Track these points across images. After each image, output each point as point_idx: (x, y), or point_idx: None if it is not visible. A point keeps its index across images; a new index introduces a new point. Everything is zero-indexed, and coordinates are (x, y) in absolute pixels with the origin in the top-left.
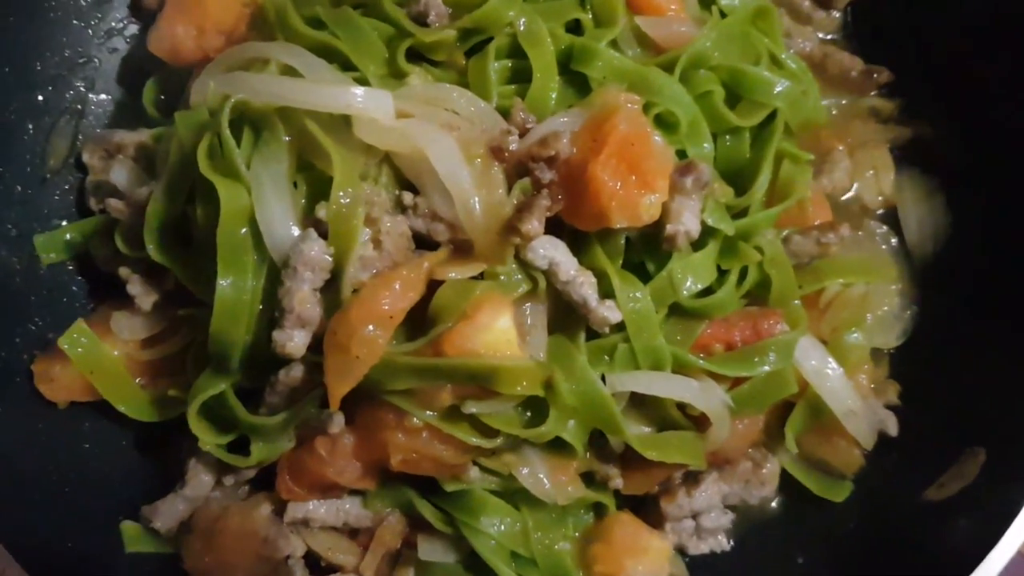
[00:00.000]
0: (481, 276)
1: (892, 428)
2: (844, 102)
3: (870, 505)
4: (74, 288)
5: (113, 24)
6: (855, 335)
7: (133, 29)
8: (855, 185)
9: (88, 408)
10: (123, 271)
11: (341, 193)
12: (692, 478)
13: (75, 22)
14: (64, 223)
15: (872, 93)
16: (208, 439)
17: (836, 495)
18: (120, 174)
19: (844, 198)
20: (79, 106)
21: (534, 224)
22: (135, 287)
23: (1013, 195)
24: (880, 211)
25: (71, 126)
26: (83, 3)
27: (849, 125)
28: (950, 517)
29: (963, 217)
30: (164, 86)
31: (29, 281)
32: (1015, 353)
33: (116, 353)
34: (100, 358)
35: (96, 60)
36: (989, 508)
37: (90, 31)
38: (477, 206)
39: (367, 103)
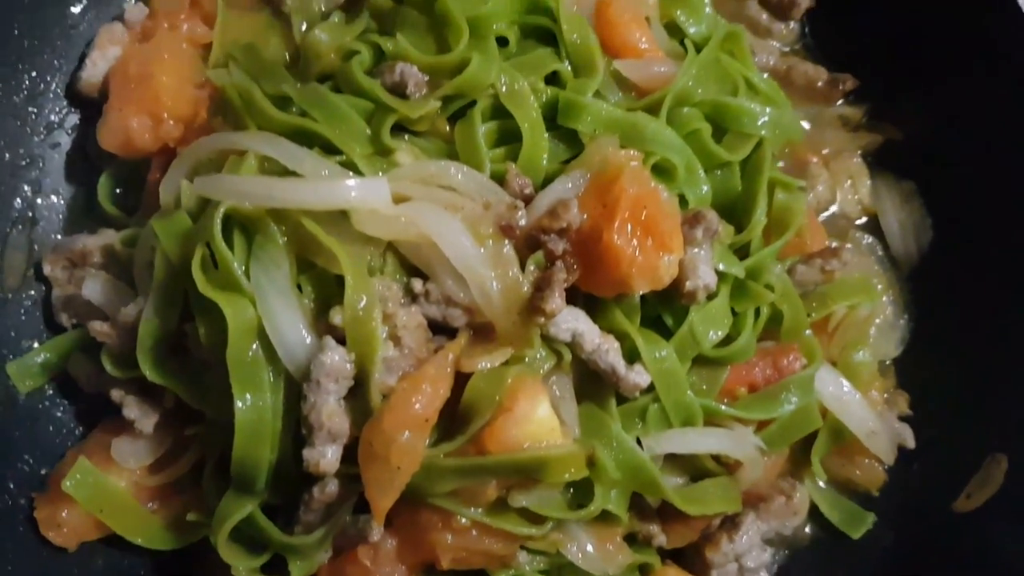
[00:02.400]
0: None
1: (909, 440)
2: (813, 112)
3: (903, 520)
4: (58, 414)
5: (52, 117)
6: (861, 353)
7: (73, 119)
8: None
9: (100, 543)
10: (115, 394)
11: (356, 297)
12: (731, 521)
13: (11, 121)
14: (35, 343)
15: (839, 101)
16: (242, 564)
17: (855, 530)
18: (94, 289)
19: (829, 212)
20: (30, 213)
21: (556, 301)
22: (132, 410)
23: (989, 188)
24: (861, 220)
25: (24, 236)
26: (16, 99)
27: (821, 135)
28: (986, 527)
29: (943, 217)
30: (119, 179)
31: (9, 415)
32: (1017, 352)
33: (123, 484)
34: (107, 493)
35: (40, 160)
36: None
37: (28, 128)
38: (494, 289)
39: (364, 195)
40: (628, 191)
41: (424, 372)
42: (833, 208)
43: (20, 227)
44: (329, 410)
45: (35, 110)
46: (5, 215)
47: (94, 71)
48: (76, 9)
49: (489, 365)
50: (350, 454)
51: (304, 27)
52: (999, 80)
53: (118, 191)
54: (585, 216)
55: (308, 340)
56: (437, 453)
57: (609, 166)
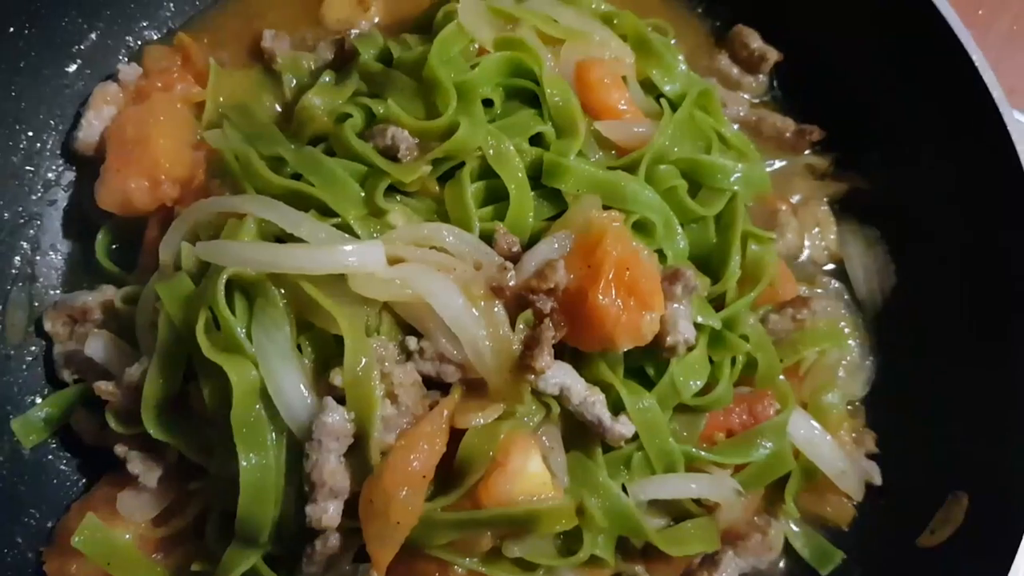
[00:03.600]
0: None
1: (876, 477)
2: (782, 163)
3: (870, 554)
4: (62, 467)
5: (49, 175)
6: (831, 395)
7: (70, 176)
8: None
9: None
10: (119, 449)
11: (355, 359)
12: (710, 559)
13: (10, 180)
14: (37, 399)
15: (806, 151)
16: None
17: (824, 566)
18: (96, 348)
19: (799, 260)
20: (29, 270)
21: (546, 359)
22: (136, 465)
23: (950, 235)
24: (828, 266)
25: (24, 293)
26: (13, 159)
27: (790, 184)
28: (951, 563)
29: (906, 262)
30: (116, 235)
31: (15, 470)
32: (978, 392)
33: (128, 536)
34: (114, 547)
35: (38, 218)
36: (987, 552)
37: (26, 187)
38: (487, 347)
39: (361, 259)
40: (611, 253)
41: (420, 430)
42: (803, 256)
43: (20, 284)
44: (331, 468)
45: (32, 169)
46: (5, 273)
47: (90, 130)
48: (71, 69)
49: (482, 421)
50: (350, 508)
51: (294, 84)
52: (959, 132)
53: (115, 247)
54: (571, 276)
55: (309, 400)
56: (435, 507)
57: (592, 227)
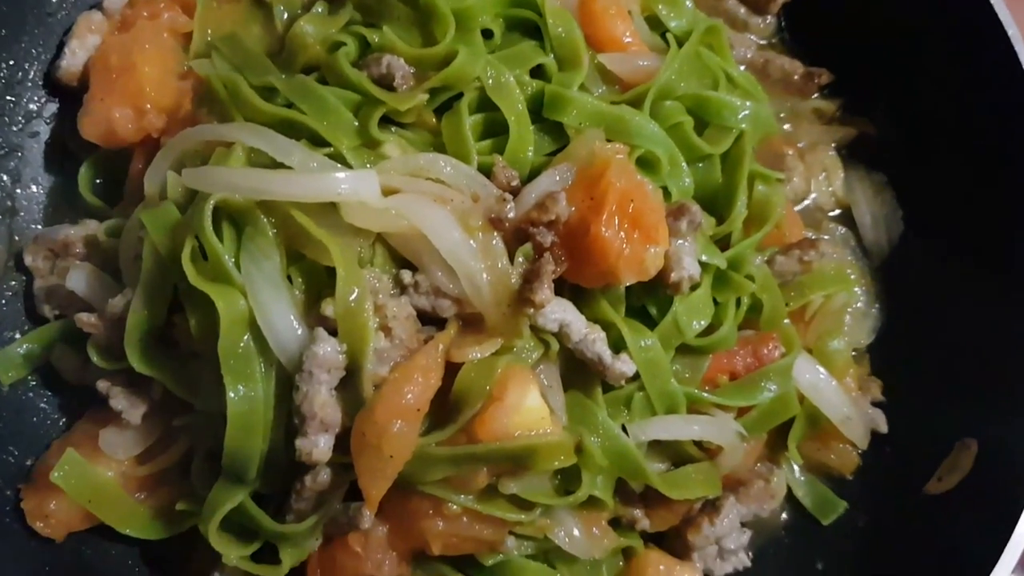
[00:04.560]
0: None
1: (882, 425)
2: (789, 105)
3: (876, 503)
4: (42, 404)
5: (31, 106)
6: (837, 341)
7: (52, 108)
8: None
9: (88, 534)
10: (102, 384)
11: (347, 289)
12: (712, 505)
13: None
14: (17, 335)
15: (814, 95)
16: (232, 553)
17: (826, 516)
18: (78, 280)
19: (804, 204)
20: (9, 203)
21: (546, 292)
22: (120, 401)
23: (958, 182)
24: (834, 212)
25: (4, 227)
26: None
27: (797, 129)
28: (957, 510)
29: (913, 209)
30: (100, 169)
31: None
32: (986, 340)
33: (110, 474)
34: (96, 484)
35: (19, 150)
36: (994, 499)
37: (7, 118)
38: (484, 280)
39: (354, 187)
40: (615, 184)
41: (415, 362)
42: (808, 200)
43: (0, 217)
44: (321, 400)
45: (13, 99)
46: None
47: (73, 60)
48: None
49: (479, 355)
50: (341, 443)
51: (285, 16)
52: (971, 76)
53: (98, 181)
54: (572, 209)
55: (299, 331)
56: (429, 442)
57: (596, 159)
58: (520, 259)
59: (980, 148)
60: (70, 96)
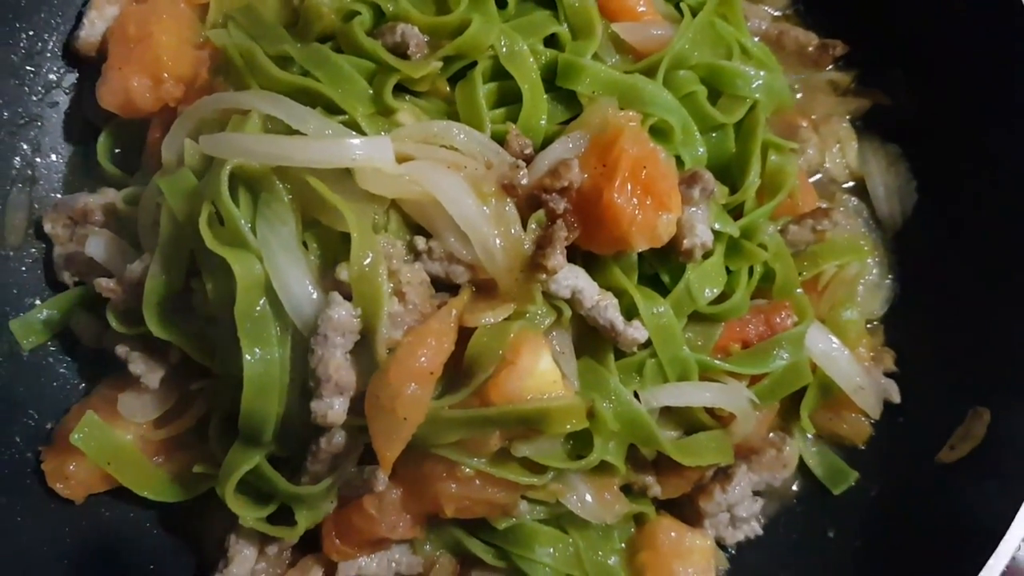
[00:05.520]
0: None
1: (895, 395)
2: (803, 77)
3: (888, 472)
4: (62, 370)
5: (51, 76)
6: (849, 311)
7: (71, 78)
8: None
9: (107, 496)
10: (120, 349)
11: (361, 253)
12: (724, 473)
13: (9, 79)
14: (37, 301)
15: (829, 67)
16: (249, 515)
17: (837, 486)
18: (97, 246)
19: (817, 176)
20: (29, 172)
21: (558, 258)
22: (138, 366)
23: (972, 153)
24: (848, 183)
25: (24, 195)
26: (14, 58)
27: (811, 100)
28: (969, 479)
29: (927, 180)
30: (118, 138)
31: (13, 371)
32: (998, 310)
33: (129, 437)
34: (115, 447)
35: (39, 119)
36: (1007, 468)
37: (27, 88)
38: (497, 246)
39: (369, 153)
40: (628, 151)
41: (429, 326)
42: (821, 172)
43: (20, 185)
44: (336, 363)
45: (33, 69)
46: (5, 174)
47: (92, 30)
48: None
49: (492, 320)
50: (356, 407)
51: None
52: (984, 48)
53: (117, 150)
54: (585, 176)
55: (314, 295)
56: (442, 405)
57: (609, 127)
58: (533, 225)
59: (995, 120)
60: (89, 66)
